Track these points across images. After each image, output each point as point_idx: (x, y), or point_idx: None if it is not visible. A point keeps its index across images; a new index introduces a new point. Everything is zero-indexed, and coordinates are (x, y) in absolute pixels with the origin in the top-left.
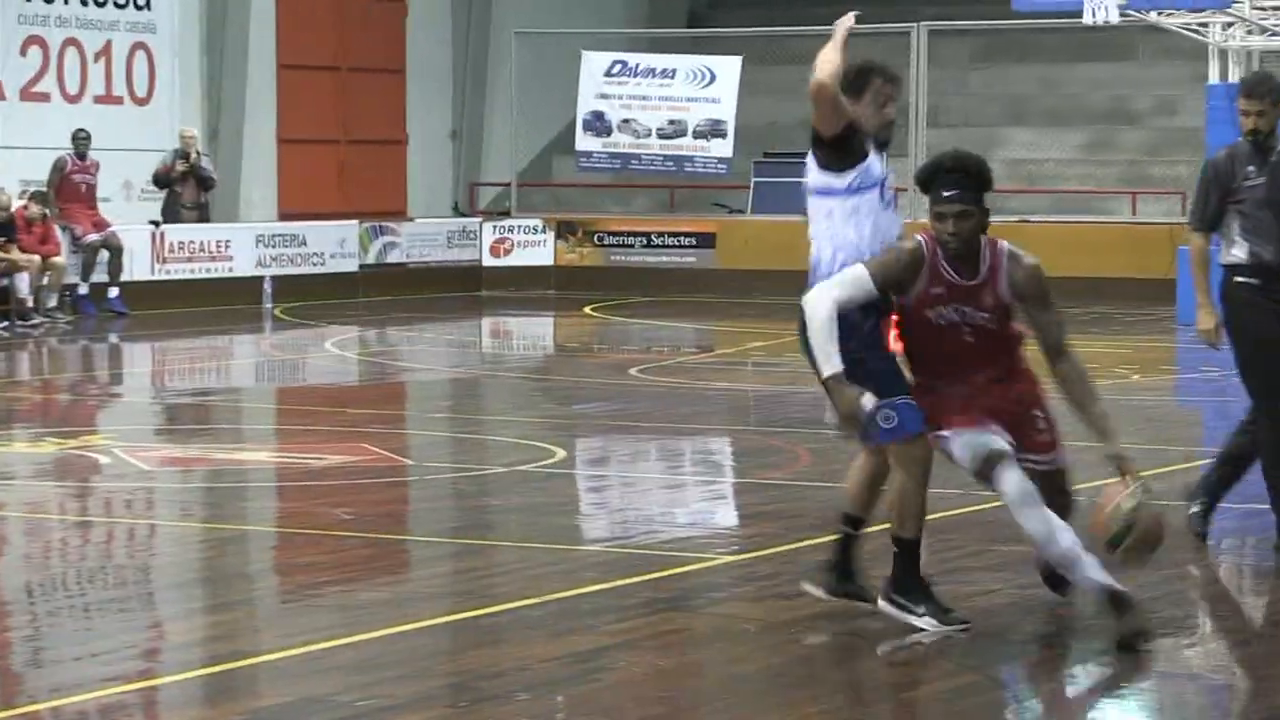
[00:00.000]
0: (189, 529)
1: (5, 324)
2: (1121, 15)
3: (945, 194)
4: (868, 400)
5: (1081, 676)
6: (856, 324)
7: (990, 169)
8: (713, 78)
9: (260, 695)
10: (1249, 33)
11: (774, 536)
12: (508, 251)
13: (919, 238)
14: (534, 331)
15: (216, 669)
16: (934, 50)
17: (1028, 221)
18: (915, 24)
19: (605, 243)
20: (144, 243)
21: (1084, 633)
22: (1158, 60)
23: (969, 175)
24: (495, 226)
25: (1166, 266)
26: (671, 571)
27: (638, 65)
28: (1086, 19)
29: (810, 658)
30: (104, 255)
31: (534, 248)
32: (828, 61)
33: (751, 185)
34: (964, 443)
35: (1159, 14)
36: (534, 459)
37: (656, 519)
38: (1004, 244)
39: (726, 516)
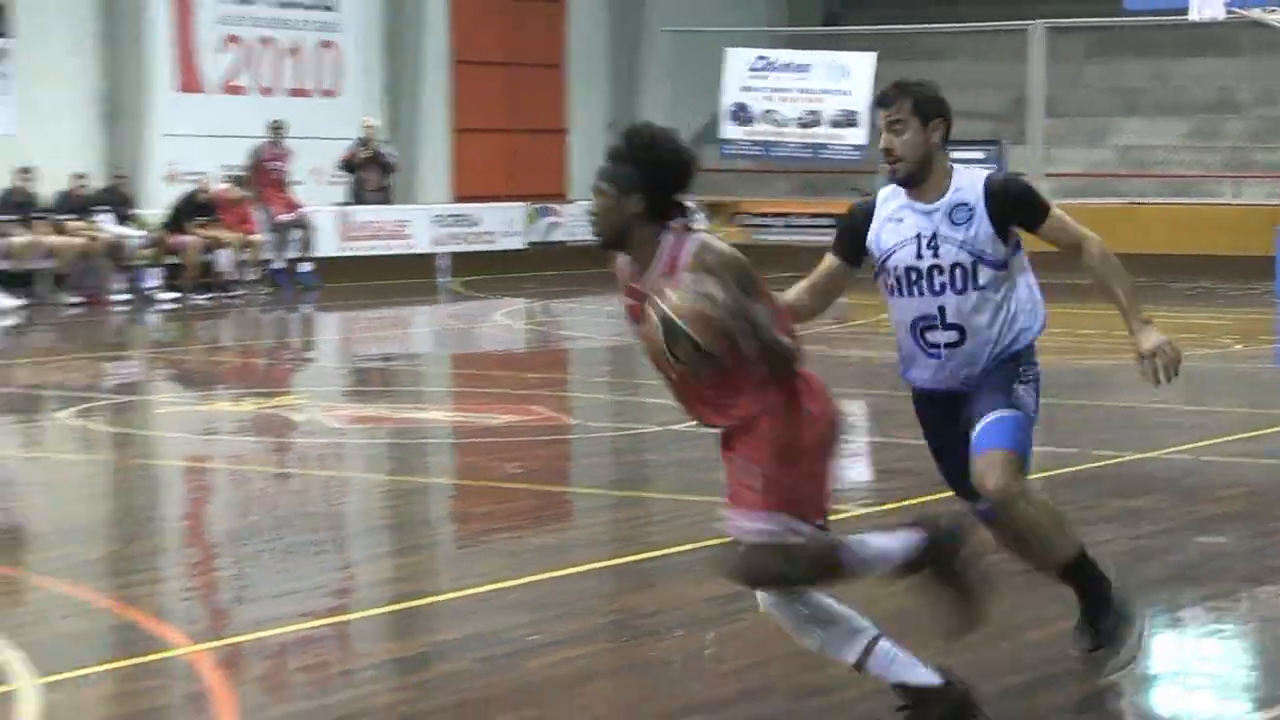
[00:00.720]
0: (375, 481)
1: (210, 295)
2: (1227, 12)
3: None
4: None
5: (1189, 620)
6: None
7: (667, 144)
8: (847, 73)
9: (438, 630)
10: None
11: (907, 490)
12: None
13: None
14: None
15: (399, 606)
16: (1052, 46)
17: (1138, 204)
18: (1034, 21)
19: (748, 223)
20: (332, 222)
21: (1196, 579)
22: (1261, 54)
23: (627, 147)
24: None
25: (1267, 245)
26: None
27: (778, 61)
28: (1192, 15)
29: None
30: (296, 234)
31: None
32: None
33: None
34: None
35: (1262, 10)
36: (686, 419)
37: None
38: (698, 238)
39: (862, 472)
